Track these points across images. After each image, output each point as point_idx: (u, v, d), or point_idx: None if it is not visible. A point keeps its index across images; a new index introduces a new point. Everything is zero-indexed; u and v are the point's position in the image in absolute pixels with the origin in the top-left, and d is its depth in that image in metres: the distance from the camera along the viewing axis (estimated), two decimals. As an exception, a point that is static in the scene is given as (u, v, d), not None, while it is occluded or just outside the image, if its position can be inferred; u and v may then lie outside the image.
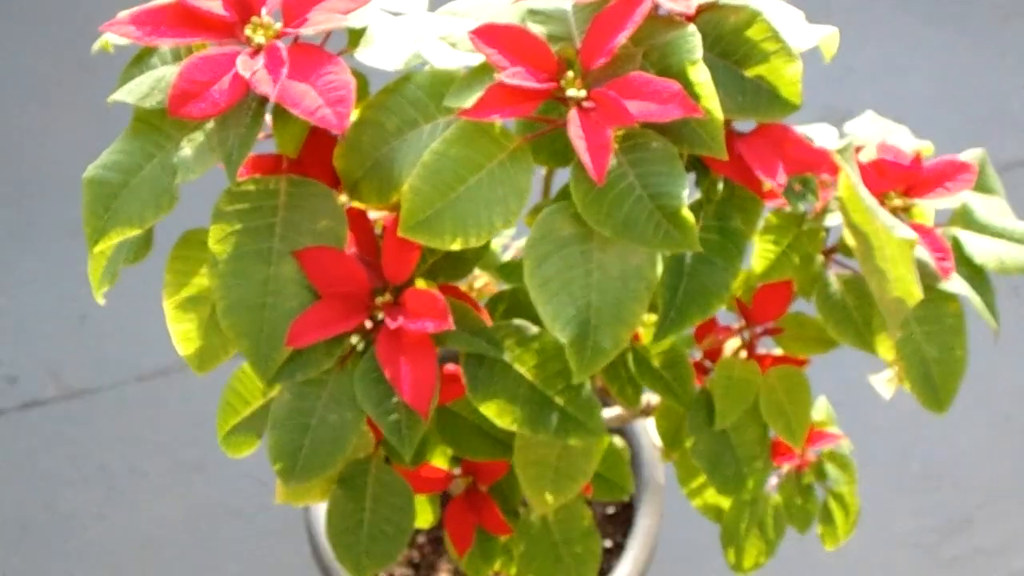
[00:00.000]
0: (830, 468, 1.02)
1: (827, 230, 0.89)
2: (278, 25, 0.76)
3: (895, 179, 0.86)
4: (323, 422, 0.78)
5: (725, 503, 1.01)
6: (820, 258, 0.88)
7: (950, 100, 2.12)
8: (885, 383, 0.96)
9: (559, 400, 0.78)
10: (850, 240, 0.82)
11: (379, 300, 0.78)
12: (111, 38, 0.83)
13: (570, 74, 0.71)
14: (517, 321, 0.79)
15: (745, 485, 0.92)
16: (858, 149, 0.90)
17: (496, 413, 0.78)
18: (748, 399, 0.90)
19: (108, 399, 1.78)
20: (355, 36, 0.80)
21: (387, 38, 0.80)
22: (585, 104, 0.70)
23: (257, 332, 0.76)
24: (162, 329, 1.84)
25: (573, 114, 0.70)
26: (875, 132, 0.94)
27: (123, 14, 0.79)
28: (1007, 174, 1.96)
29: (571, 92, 0.71)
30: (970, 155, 0.92)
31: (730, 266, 0.76)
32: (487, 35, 0.71)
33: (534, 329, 0.79)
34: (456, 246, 0.72)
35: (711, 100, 0.70)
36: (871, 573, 1.60)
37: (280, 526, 1.66)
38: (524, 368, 0.79)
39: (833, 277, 0.88)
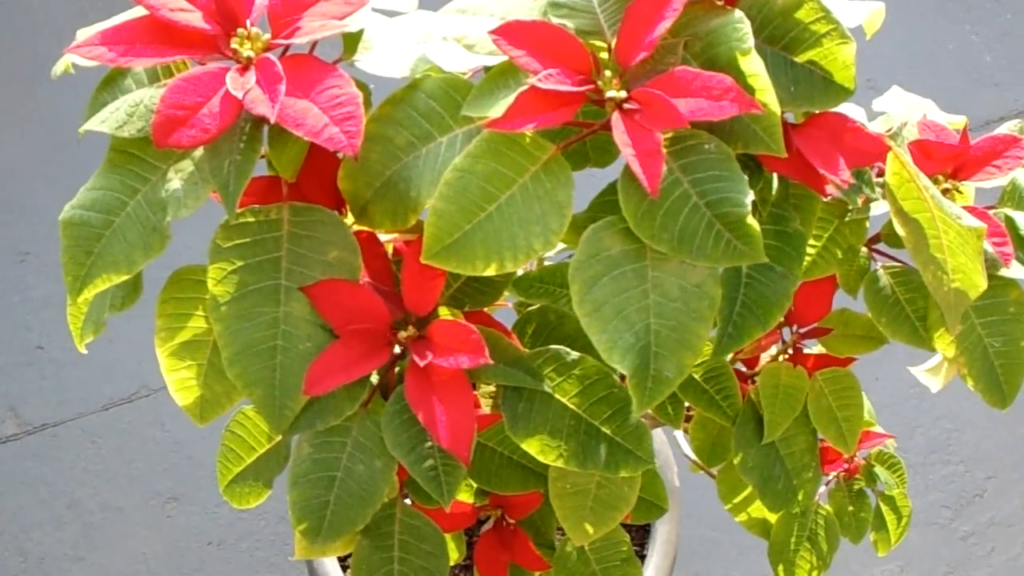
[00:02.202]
0: (879, 470, 0.96)
1: (868, 219, 0.82)
2: (267, 36, 0.68)
3: (943, 160, 0.79)
4: (349, 474, 0.71)
5: (772, 516, 0.94)
6: (864, 250, 0.82)
7: (920, 57, 2.07)
8: (931, 376, 0.90)
9: (606, 429, 0.71)
10: (900, 229, 0.76)
11: (402, 334, 0.70)
12: (74, 59, 0.74)
13: (607, 73, 0.64)
14: (554, 346, 0.72)
15: (796, 498, 0.85)
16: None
17: (539, 450, 0.71)
18: (797, 407, 0.83)
19: (73, 432, 1.68)
20: (351, 41, 0.72)
21: (387, 42, 0.72)
22: (627, 106, 0.63)
23: (269, 380, 0.69)
24: (123, 354, 1.73)
25: (616, 118, 0.62)
26: (905, 108, 0.88)
27: (86, 32, 0.70)
28: (986, 130, 1.90)
29: (611, 93, 0.63)
30: (1009, 127, 0.86)
31: (791, 272, 0.68)
32: (512, 34, 0.63)
33: (574, 354, 0.72)
34: (490, 271, 0.64)
35: (767, 92, 0.62)
36: (888, 556, 1.55)
37: (265, 554, 1.58)
38: (566, 398, 0.71)
39: (881, 270, 0.81)
